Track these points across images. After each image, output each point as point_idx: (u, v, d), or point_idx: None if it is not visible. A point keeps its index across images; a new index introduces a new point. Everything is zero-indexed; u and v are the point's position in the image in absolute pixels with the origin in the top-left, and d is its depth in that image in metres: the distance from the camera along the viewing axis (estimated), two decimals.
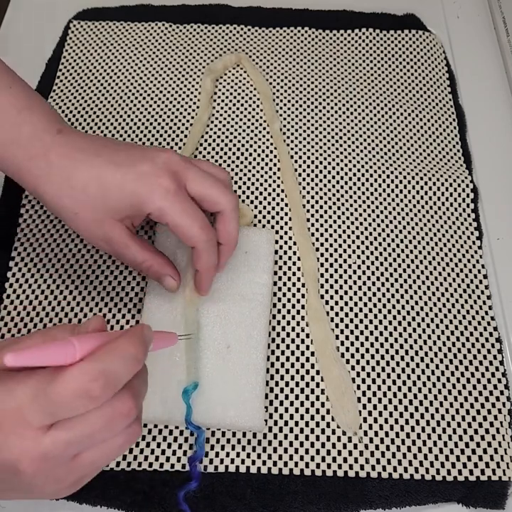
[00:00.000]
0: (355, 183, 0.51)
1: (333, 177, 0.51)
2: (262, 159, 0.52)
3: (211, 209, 0.38)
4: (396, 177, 0.51)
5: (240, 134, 0.53)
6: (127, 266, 0.46)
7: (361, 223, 0.49)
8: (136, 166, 0.36)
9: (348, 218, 0.49)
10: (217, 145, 0.53)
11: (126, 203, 0.36)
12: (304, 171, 0.51)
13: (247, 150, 0.52)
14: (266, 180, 0.51)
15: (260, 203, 0.49)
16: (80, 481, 0.30)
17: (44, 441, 0.26)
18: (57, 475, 0.28)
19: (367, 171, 0.51)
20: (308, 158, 0.52)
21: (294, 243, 0.48)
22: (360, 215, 0.49)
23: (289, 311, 0.45)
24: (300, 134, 0.53)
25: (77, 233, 0.38)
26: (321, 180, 0.51)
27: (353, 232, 0.48)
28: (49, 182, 0.36)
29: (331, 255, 0.47)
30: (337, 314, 0.45)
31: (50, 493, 0.29)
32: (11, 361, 0.25)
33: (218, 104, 0.55)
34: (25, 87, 0.38)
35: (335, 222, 0.49)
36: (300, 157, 0.52)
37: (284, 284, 0.46)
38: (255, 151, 0.52)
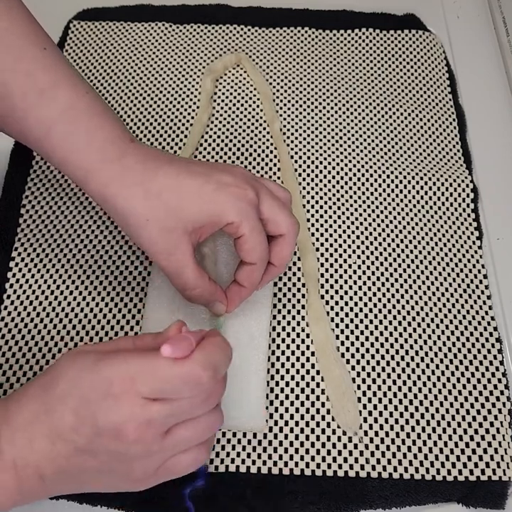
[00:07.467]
0: (355, 183, 0.51)
1: (333, 177, 0.51)
2: (262, 159, 0.52)
3: (274, 232, 0.37)
4: (396, 177, 0.51)
5: (240, 134, 0.53)
6: (127, 266, 0.46)
7: (361, 223, 0.49)
8: (216, 176, 0.35)
9: (348, 218, 0.49)
10: (217, 145, 0.53)
11: (204, 212, 0.35)
12: (304, 171, 0.51)
13: (247, 150, 0.52)
14: None
15: None
16: (162, 472, 0.31)
17: (151, 409, 0.29)
18: (150, 449, 0.30)
19: (367, 171, 0.51)
20: (308, 158, 0.52)
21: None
22: (360, 215, 0.49)
23: (289, 311, 0.45)
24: (300, 134, 0.53)
25: (139, 244, 0.36)
26: (321, 181, 0.51)
27: (353, 232, 0.48)
28: (122, 184, 0.34)
29: (331, 255, 0.47)
30: (337, 314, 0.45)
31: (136, 477, 0.31)
32: (168, 352, 0.29)
33: (218, 104, 0.55)
34: (99, 97, 0.37)
35: (335, 222, 0.49)
36: (300, 157, 0.52)
37: (284, 284, 0.46)
38: (255, 151, 0.52)
